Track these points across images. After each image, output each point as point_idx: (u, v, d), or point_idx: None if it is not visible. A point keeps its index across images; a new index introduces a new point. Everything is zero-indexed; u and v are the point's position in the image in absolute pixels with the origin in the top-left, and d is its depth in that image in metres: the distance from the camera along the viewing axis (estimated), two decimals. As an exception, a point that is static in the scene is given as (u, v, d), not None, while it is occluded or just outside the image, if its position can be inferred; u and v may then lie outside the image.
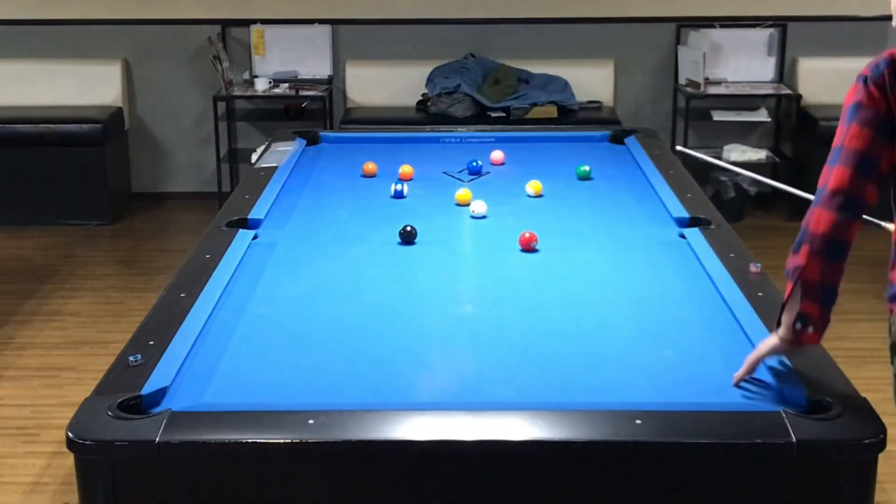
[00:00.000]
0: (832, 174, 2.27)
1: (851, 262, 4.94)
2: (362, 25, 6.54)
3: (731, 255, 2.95)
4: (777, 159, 6.37)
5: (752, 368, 2.28)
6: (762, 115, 6.36)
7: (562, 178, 3.86)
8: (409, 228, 3.15)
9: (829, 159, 2.31)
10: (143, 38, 6.55)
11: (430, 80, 6.32)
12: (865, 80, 2.28)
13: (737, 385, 2.26)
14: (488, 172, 3.96)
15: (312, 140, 4.44)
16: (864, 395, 2.15)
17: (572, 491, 2.04)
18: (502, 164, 4.09)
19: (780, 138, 6.57)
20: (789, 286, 2.27)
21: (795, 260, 2.29)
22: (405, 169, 3.85)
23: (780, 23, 6.41)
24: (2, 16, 6.49)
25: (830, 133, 6.53)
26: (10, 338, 4.66)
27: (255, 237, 3.19)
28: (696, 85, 6.14)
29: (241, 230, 3.20)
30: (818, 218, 2.27)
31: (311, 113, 6.44)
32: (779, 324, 2.25)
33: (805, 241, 2.27)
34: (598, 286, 2.87)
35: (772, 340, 2.27)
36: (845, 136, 2.28)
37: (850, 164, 2.26)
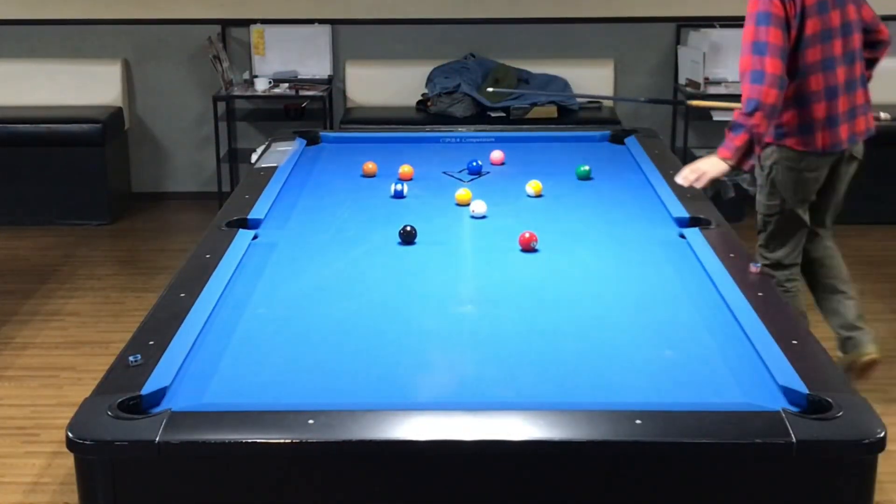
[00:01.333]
0: (766, 63, 3.44)
1: (851, 262, 5.03)
2: (362, 25, 6.54)
3: (731, 255, 2.95)
4: (777, 159, 6.37)
5: (704, 184, 3.54)
6: (762, 115, 6.35)
7: (562, 178, 3.86)
8: (409, 228, 3.15)
9: (751, 50, 3.48)
10: (143, 38, 6.55)
11: (430, 80, 6.32)
12: None
13: (681, 181, 3.57)
14: (488, 172, 3.96)
15: (312, 140, 4.44)
16: (864, 395, 2.14)
17: (572, 491, 2.04)
18: (502, 164, 4.09)
19: (780, 138, 6.57)
20: (744, 137, 3.47)
21: (750, 121, 3.45)
22: (405, 169, 3.85)
23: (780, 23, 6.40)
24: (2, 16, 6.50)
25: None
26: (10, 338, 4.66)
27: (255, 237, 3.19)
28: (696, 85, 6.14)
29: (241, 230, 3.20)
30: (767, 93, 3.42)
31: (311, 113, 6.44)
32: (724, 156, 3.52)
33: (759, 108, 3.43)
34: (598, 286, 2.87)
35: (721, 166, 3.54)
36: (767, 35, 3.47)
37: (777, 55, 3.46)
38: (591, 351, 2.45)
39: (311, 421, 2.03)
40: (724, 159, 3.53)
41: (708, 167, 3.56)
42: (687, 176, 3.56)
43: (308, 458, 2.04)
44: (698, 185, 3.54)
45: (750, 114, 3.45)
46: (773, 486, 2.01)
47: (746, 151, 3.50)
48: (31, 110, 6.35)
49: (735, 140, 3.49)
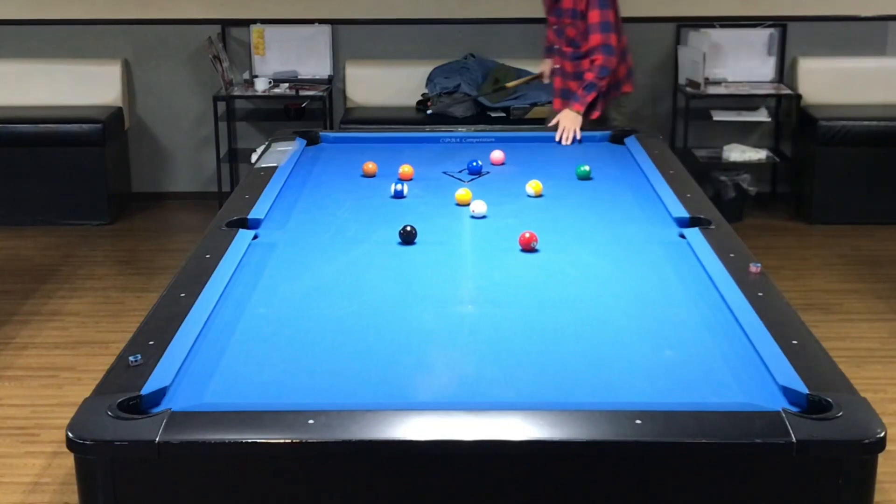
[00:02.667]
0: (612, 38, 4.53)
1: (851, 262, 5.05)
2: (362, 25, 6.54)
3: (731, 255, 2.95)
4: (777, 159, 6.37)
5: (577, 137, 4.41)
6: (762, 115, 6.36)
7: (562, 178, 3.86)
8: (409, 228, 3.15)
9: (601, 29, 4.51)
10: (143, 38, 6.55)
11: (430, 80, 6.31)
12: None
13: (565, 142, 4.40)
14: (488, 172, 3.96)
15: (312, 140, 4.44)
16: (864, 395, 2.15)
17: (572, 491, 2.04)
18: (502, 164, 4.09)
19: (780, 138, 6.57)
20: (594, 94, 4.55)
21: (601, 83, 4.55)
22: (405, 169, 3.85)
23: (780, 23, 6.41)
24: (2, 16, 6.49)
25: (831, 133, 6.57)
26: (10, 338, 4.66)
27: (255, 237, 3.19)
28: (696, 85, 6.14)
29: (241, 230, 3.20)
30: (615, 62, 4.58)
31: (311, 113, 6.44)
32: (578, 109, 4.50)
33: (608, 74, 4.56)
34: (598, 286, 2.87)
35: (578, 119, 4.45)
36: (609, 16, 4.53)
37: (616, 31, 4.59)
38: (591, 351, 2.45)
39: (311, 421, 2.03)
40: (578, 112, 4.48)
41: (573, 123, 4.43)
42: (564, 137, 4.38)
43: (308, 458, 2.04)
44: (570, 141, 4.37)
45: (602, 78, 4.54)
46: (773, 486, 2.01)
47: (591, 105, 4.59)
48: (31, 110, 6.35)
49: (588, 97, 4.53)
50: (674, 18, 6.48)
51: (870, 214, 6.13)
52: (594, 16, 4.55)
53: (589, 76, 4.54)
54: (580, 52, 4.69)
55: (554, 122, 4.48)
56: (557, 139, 4.38)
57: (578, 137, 4.40)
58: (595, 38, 4.55)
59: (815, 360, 2.30)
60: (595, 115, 4.67)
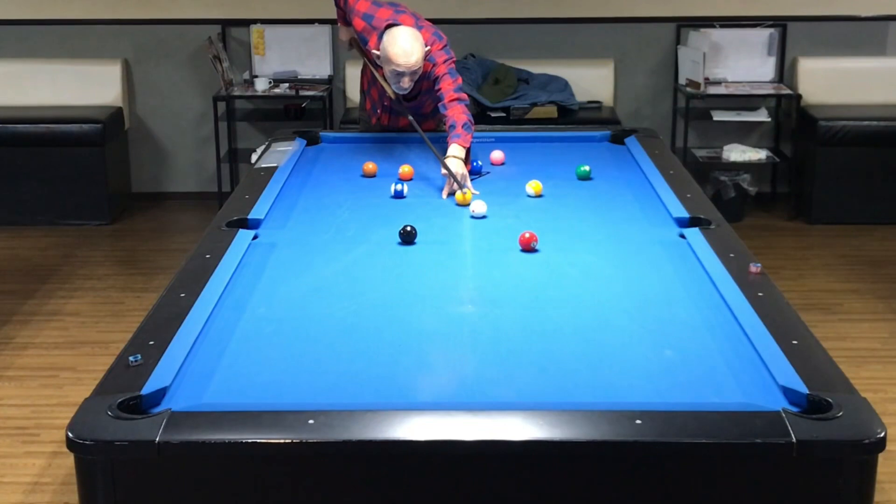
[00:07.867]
0: (462, 84, 4.08)
1: (851, 262, 5.05)
2: (362, 25, 6.53)
3: (731, 255, 2.95)
4: (777, 159, 6.37)
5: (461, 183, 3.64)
6: (762, 115, 6.36)
7: (562, 178, 3.86)
8: (409, 228, 3.15)
9: (453, 76, 4.01)
10: (143, 38, 6.55)
11: (430, 80, 6.29)
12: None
13: (448, 194, 3.67)
14: (488, 172, 3.96)
15: (312, 140, 4.44)
16: (864, 395, 2.15)
17: (572, 491, 2.04)
18: (502, 164, 4.09)
19: (780, 138, 6.57)
20: (470, 137, 3.90)
21: (470, 134, 3.90)
22: (405, 169, 3.85)
23: (780, 23, 6.41)
24: (2, 16, 6.49)
25: (831, 133, 6.56)
26: (10, 338, 4.66)
27: (255, 237, 3.19)
28: (696, 85, 6.14)
29: (241, 230, 3.20)
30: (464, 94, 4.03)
31: (311, 113, 6.44)
32: (465, 145, 3.84)
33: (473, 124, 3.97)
34: (598, 286, 2.87)
35: (461, 165, 3.74)
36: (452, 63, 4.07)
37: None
38: (591, 351, 2.45)
39: (311, 421, 2.03)
40: (464, 148, 3.86)
41: (462, 167, 3.75)
42: (466, 186, 3.65)
43: (308, 458, 2.04)
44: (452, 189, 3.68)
45: (471, 130, 3.92)
46: (773, 486, 2.01)
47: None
48: (31, 110, 6.35)
49: (470, 136, 3.89)
50: (674, 18, 6.48)
51: (870, 214, 6.13)
52: (450, 62, 4.08)
53: (465, 118, 3.92)
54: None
55: (455, 171, 3.71)
56: (449, 193, 3.68)
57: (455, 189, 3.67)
58: (455, 83, 4.02)
59: (815, 360, 2.30)
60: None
